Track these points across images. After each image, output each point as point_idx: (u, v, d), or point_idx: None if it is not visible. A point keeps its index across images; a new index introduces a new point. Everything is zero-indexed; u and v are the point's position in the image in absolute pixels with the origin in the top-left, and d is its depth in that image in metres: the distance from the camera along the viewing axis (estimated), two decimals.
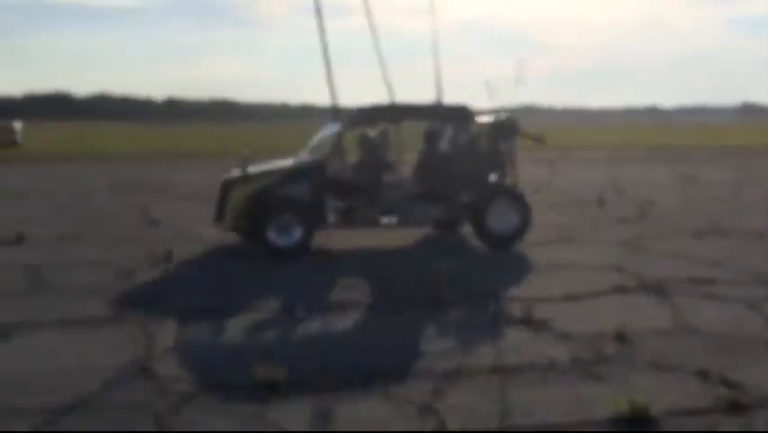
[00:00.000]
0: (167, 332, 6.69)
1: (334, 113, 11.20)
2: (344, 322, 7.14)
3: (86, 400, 5.05)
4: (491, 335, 6.66)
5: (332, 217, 10.13)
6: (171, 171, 25.31)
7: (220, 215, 10.04)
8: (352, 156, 10.89)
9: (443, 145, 10.90)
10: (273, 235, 9.59)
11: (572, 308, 7.56)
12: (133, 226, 12.91)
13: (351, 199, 10.21)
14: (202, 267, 9.63)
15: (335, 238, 10.62)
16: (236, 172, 10.18)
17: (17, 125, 33.09)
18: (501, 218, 10.33)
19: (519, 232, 10.45)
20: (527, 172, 23.29)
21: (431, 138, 10.88)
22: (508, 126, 10.82)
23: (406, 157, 11.29)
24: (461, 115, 10.83)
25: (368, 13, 11.93)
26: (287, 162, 10.67)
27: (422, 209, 10.40)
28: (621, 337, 6.40)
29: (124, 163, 29.45)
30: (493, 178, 10.77)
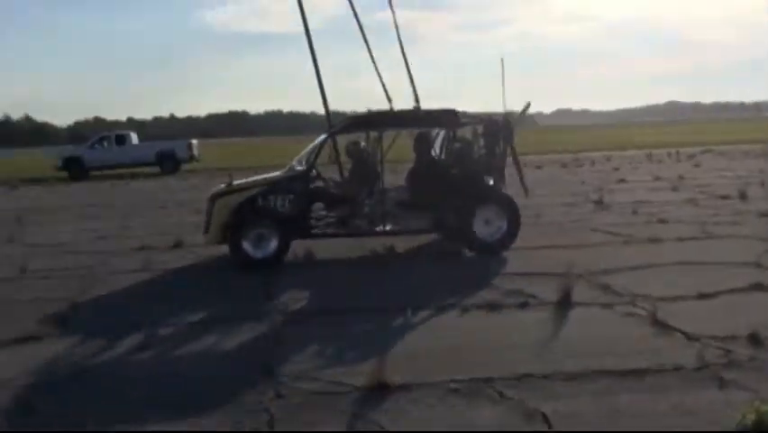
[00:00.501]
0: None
1: (328, 122, 11.03)
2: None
3: None
4: (614, 335, 5.96)
5: (317, 228, 9.62)
6: None
7: (207, 227, 9.57)
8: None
9: (431, 152, 10.28)
10: (248, 246, 9.09)
11: (704, 306, 6.71)
12: None
13: (336, 209, 9.72)
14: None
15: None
16: (223, 185, 9.88)
17: (194, 143, 34.61)
18: (489, 224, 9.49)
19: (507, 238, 9.52)
20: (673, 170, 22.33)
21: (419, 145, 10.15)
22: (501, 130, 9.95)
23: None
24: (447, 120, 10.06)
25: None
26: (272, 175, 10.25)
27: (410, 217, 9.75)
28: (755, 340, 5.52)
29: None
30: (487, 182, 9.91)
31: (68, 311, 7.37)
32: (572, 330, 6.19)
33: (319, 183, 9.93)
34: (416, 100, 10.90)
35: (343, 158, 11.03)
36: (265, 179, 9.88)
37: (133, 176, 31.35)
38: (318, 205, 9.70)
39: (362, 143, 10.38)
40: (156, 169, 33.31)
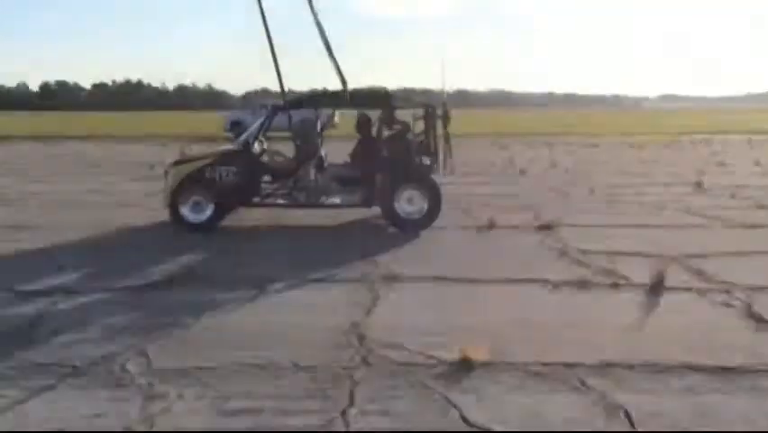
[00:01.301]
0: None
1: (283, 99, 9.98)
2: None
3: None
4: (706, 326, 5.13)
5: (259, 198, 9.31)
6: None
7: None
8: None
9: (370, 132, 9.66)
10: (185, 211, 8.95)
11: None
12: None
13: (278, 182, 9.40)
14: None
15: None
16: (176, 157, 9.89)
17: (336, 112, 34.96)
18: (411, 203, 8.93)
19: (427, 218, 8.93)
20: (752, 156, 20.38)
21: (359, 125, 9.74)
22: (435, 111, 9.58)
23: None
24: (381, 101, 9.64)
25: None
26: (221, 148, 10.14)
27: (344, 192, 9.35)
28: None
29: None
30: (416, 164, 9.29)
31: None
32: (663, 317, 5.37)
33: (264, 157, 9.64)
34: (343, 82, 10.03)
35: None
36: (213, 152, 9.83)
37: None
38: (263, 177, 9.42)
39: (309, 123, 9.95)
40: None
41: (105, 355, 4.55)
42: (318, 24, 9.51)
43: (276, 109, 9.51)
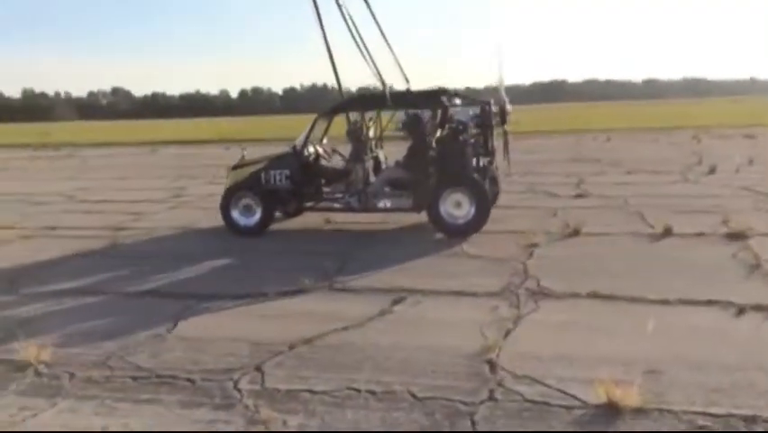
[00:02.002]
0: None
1: (341, 98, 9.60)
2: None
3: None
4: None
5: (312, 202, 9.20)
6: (626, 146, 23.04)
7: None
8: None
9: (422, 134, 8.72)
10: (236, 215, 8.99)
11: None
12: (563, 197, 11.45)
13: (331, 186, 9.14)
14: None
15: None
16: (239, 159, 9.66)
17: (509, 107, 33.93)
18: (459, 207, 8.30)
19: (473, 222, 8.27)
20: None
21: (410, 127, 8.79)
22: (493, 113, 8.89)
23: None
24: (434, 102, 8.86)
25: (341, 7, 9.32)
26: (276, 152, 9.53)
27: (395, 196, 8.79)
28: None
29: (588, 137, 27.90)
30: (466, 165, 8.52)
31: None
32: None
33: (316, 160, 9.27)
34: (406, 80, 9.68)
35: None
36: (268, 156, 9.43)
37: None
38: (316, 181, 9.14)
39: (358, 123, 9.31)
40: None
41: (220, 369, 4.37)
42: (353, 24, 9.31)
43: (321, 115, 9.19)
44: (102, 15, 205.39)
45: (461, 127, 8.77)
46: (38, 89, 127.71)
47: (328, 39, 9.17)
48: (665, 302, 5.41)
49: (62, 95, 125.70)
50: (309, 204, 9.26)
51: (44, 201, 13.01)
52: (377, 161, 9.59)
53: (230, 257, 7.67)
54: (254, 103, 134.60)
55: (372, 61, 9.35)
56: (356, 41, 9.22)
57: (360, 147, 9.09)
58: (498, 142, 9.28)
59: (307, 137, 9.08)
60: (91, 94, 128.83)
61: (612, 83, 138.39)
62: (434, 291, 5.95)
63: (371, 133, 9.53)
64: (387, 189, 8.91)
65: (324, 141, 9.65)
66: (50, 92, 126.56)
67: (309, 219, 9.67)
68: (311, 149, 9.24)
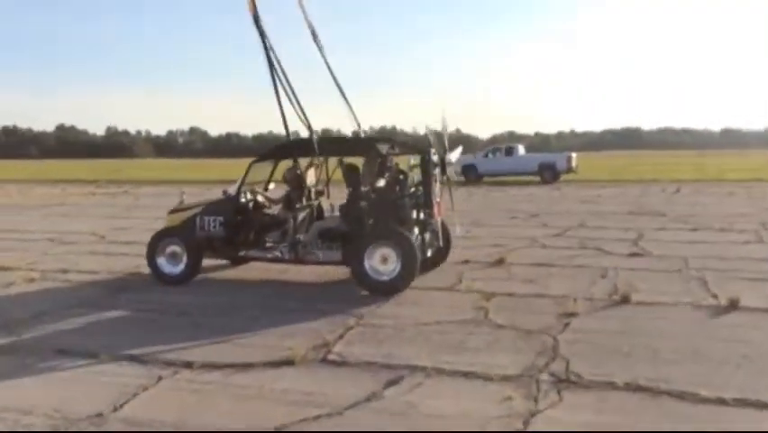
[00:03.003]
0: None
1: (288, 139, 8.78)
2: None
3: None
4: None
5: (237, 250, 8.55)
6: (697, 199, 21.47)
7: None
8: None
9: (355, 181, 8.20)
10: (162, 262, 8.45)
11: None
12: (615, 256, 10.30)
13: (263, 234, 8.54)
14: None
15: None
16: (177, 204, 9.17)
17: (573, 156, 32.72)
18: (385, 263, 7.61)
19: (399, 280, 7.55)
20: None
21: (347, 176, 8.35)
22: (431, 161, 7.97)
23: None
24: (367, 149, 8.34)
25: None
26: (212, 198, 9.18)
27: (325, 248, 8.21)
28: None
29: (656, 187, 26.32)
30: (392, 218, 7.90)
31: None
32: None
33: (255, 207, 8.76)
34: (357, 125, 9.30)
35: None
36: (205, 201, 9.04)
37: (513, 184, 30.44)
38: (251, 228, 8.54)
39: (297, 170, 8.74)
40: (537, 178, 32.13)
41: None
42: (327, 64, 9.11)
43: (254, 161, 8.64)
44: (186, 55, 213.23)
45: (401, 176, 8.23)
46: (121, 127, 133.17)
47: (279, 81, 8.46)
48: (721, 402, 4.35)
49: (143, 133, 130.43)
50: (242, 253, 8.65)
51: (73, 241, 12.73)
52: (318, 209, 9.05)
53: (237, 308, 6.97)
54: None
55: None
56: (276, 84, 8.28)
57: (294, 195, 8.62)
58: (444, 193, 8.55)
59: (242, 183, 8.56)
60: (170, 133, 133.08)
61: (688, 132, 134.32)
62: (440, 370, 5.04)
63: (309, 180, 8.94)
64: (319, 241, 8.32)
65: (272, 187, 9.20)
66: (132, 130, 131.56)
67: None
68: (249, 195, 8.75)
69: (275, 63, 8.18)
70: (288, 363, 5.29)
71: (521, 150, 34.50)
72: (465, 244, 10.73)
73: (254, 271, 9.13)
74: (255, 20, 8.15)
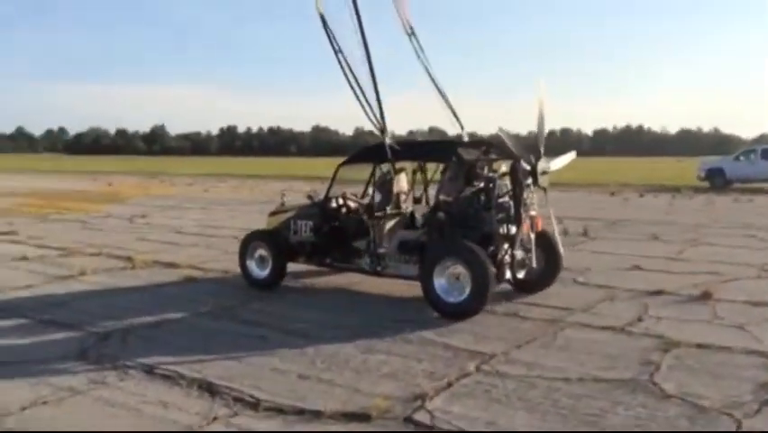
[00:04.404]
0: None
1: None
2: None
3: None
4: None
5: (328, 257, 8.03)
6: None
7: None
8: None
9: (440, 190, 7.34)
10: (252, 266, 8.25)
11: None
12: None
13: (348, 241, 7.82)
14: None
15: None
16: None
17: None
18: (457, 282, 6.58)
19: (469, 302, 6.49)
20: None
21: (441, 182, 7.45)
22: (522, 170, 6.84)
23: None
24: (446, 154, 7.38)
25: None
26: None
27: (403, 261, 7.30)
28: None
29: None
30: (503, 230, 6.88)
31: None
32: None
33: (347, 213, 8.18)
34: (461, 127, 8.32)
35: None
36: (297, 205, 8.62)
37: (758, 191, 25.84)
38: (340, 234, 7.93)
39: (387, 175, 7.75)
40: None
41: None
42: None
43: (341, 164, 8.15)
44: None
45: (491, 185, 7.07)
46: (367, 128, 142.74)
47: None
48: None
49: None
50: (328, 260, 8.08)
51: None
52: (410, 218, 7.87)
53: (354, 330, 6.09)
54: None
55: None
56: (351, 84, 7.49)
57: (381, 201, 7.67)
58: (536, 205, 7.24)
59: (330, 187, 8.16)
60: (410, 133, 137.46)
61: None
62: None
63: (400, 186, 7.97)
64: (398, 253, 7.43)
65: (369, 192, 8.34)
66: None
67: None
68: (340, 200, 8.30)
69: (342, 64, 7.54)
70: (364, 418, 4.28)
71: None
72: (666, 268, 8.75)
73: (386, 284, 8.17)
74: (323, 21, 7.63)
